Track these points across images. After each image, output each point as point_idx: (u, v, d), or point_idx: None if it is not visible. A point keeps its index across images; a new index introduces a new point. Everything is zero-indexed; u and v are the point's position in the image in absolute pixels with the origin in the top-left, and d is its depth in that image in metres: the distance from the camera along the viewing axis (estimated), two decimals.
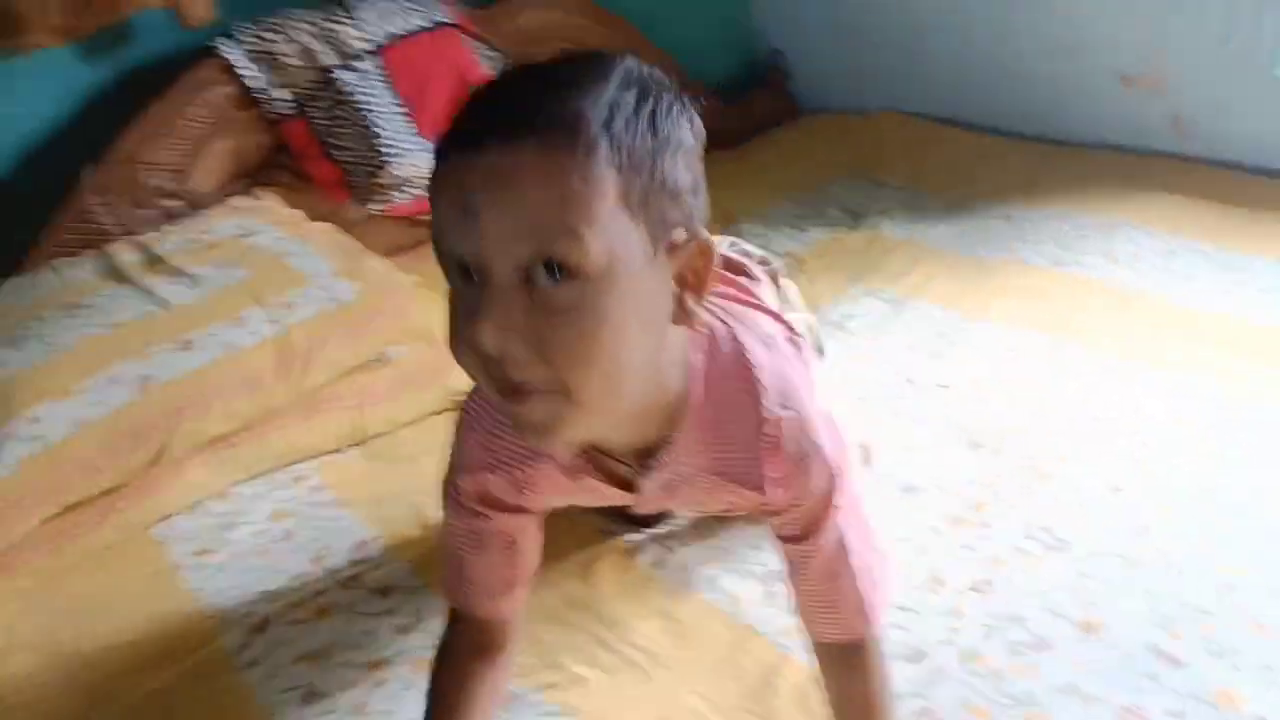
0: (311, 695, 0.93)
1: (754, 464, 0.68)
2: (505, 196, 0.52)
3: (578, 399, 0.55)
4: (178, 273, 1.25)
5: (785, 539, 0.73)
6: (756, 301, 0.80)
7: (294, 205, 1.50)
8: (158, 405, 1.10)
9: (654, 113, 0.56)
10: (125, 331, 1.16)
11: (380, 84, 1.50)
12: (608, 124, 0.54)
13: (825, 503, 0.70)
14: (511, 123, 0.53)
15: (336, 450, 1.28)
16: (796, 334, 0.79)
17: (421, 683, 0.81)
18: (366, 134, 1.49)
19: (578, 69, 0.57)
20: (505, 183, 0.52)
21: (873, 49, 2.13)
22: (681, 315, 0.59)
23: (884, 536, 0.77)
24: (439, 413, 1.36)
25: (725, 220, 1.81)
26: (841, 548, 0.72)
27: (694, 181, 0.59)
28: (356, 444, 1.29)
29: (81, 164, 1.37)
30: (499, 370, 0.54)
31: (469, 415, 0.72)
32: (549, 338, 0.53)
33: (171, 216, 1.43)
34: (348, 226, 1.52)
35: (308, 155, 1.50)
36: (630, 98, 0.56)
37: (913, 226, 1.73)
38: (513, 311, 0.52)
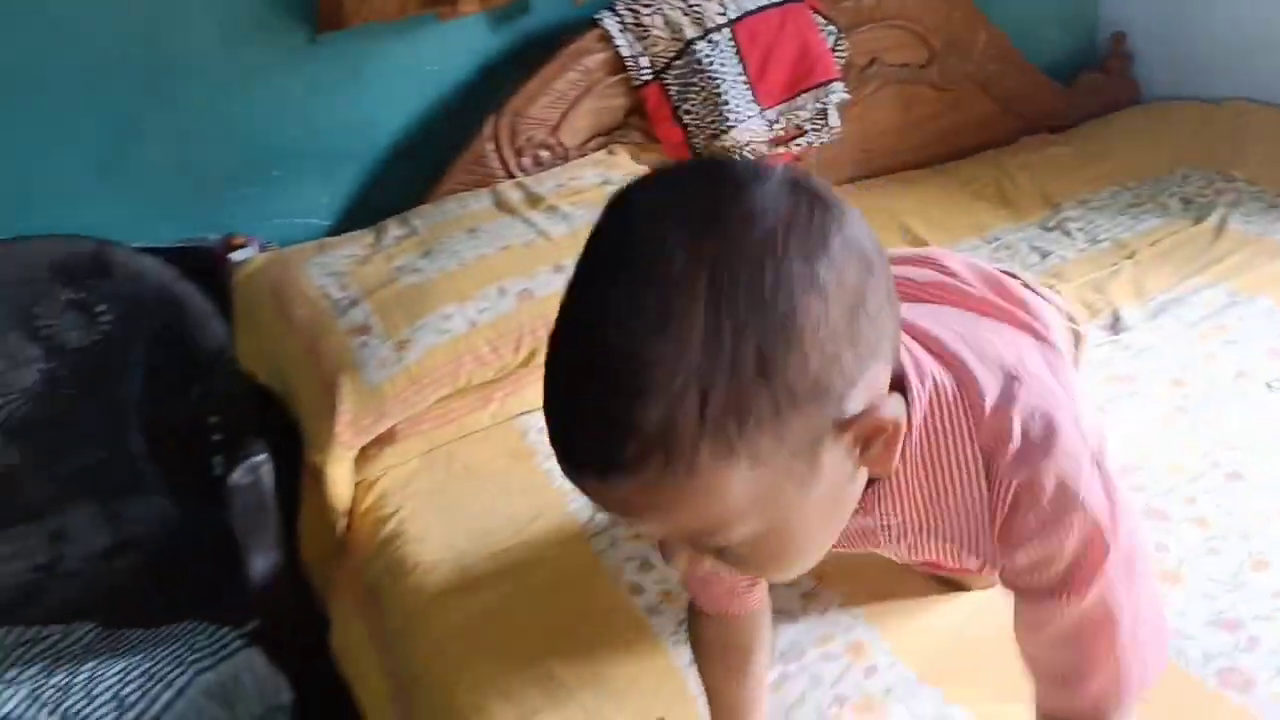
0: (646, 565, 1.10)
1: (982, 526, 0.61)
2: (637, 521, 0.53)
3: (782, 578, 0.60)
4: (553, 210, 1.47)
5: (1024, 592, 0.63)
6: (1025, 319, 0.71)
7: (640, 163, 1.69)
8: (533, 315, 1.32)
9: (762, 337, 0.46)
10: (512, 253, 1.39)
11: (731, 54, 1.66)
12: (701, 414, 0.46)
13: (1082, 565, 0.59)
14: (597, 458, 0.48)
15: None
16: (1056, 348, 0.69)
17: None
18: (715, 101, 1.65)
19: (655, 326, 0.46)
20: (628, 511, 0.51)
21: (1222, 32, 2.00)
22: (872, 463, 0.54)
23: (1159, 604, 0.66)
24: None
25: (1046, 203, 1.81)
26: (1106, 616, 0.61)
27: (837, 337, 0.48)
28: None
29: (483, 115, 1.63)
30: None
31: None
32: (742, 569, 0.58)
33: (542, 164, 1.67)
34: None
35: (658, 118, 1.69)
36: (725, 339, 0.45)
37: (1264, 223, 1.64)
38: (700, 562, 0.55)
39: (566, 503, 1.20)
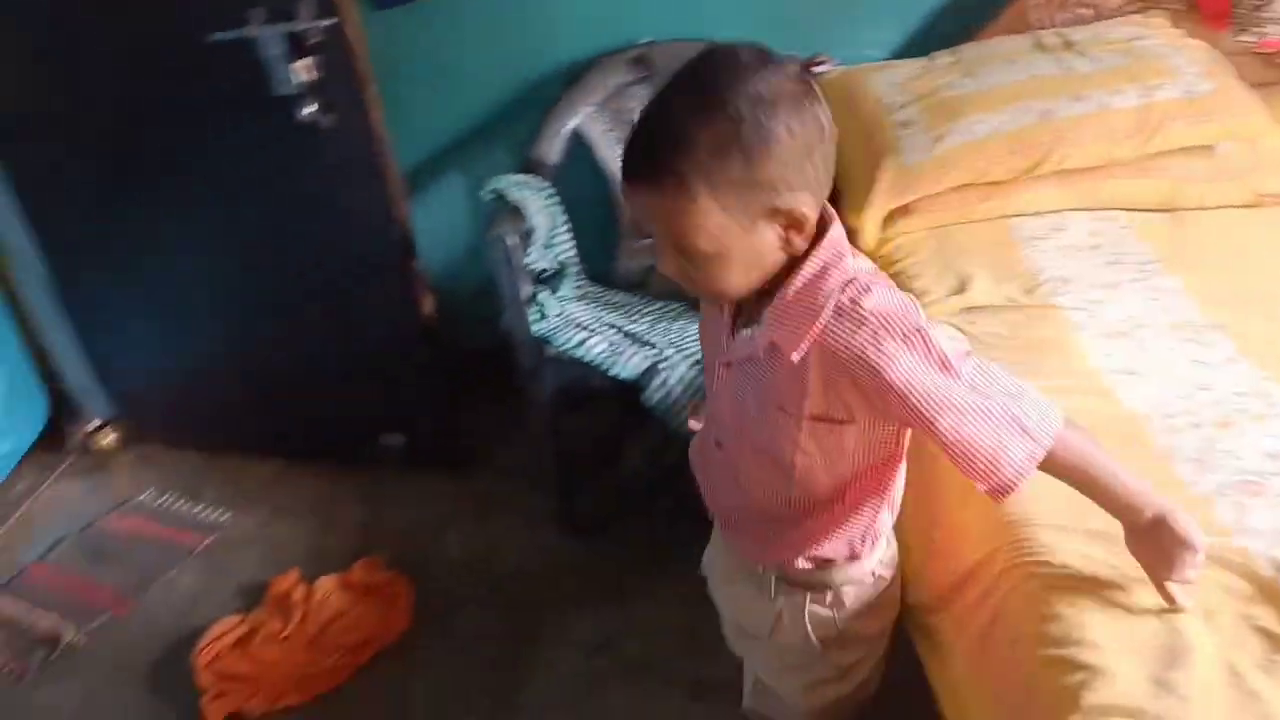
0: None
1: (794, 332, 0.89)
2: (647, 220, 0.89)
3: (710, 297, 0.96)
4: (1082, 53, 1.76)
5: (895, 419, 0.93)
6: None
7: (1177, 28, 1.87)
8: (1045, 132, 1.65)
9: (750, 135, 0.81)
10: (1039, 81, 1.71)
11: None
12: (706, 167, 0.82)
13: (873, 373, 0.87)
14: (640, 173, 0.86)
15: (1147, 210, 1.70)
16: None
17: None
18: None
19: (696, 103, 0.83)
20: (644, 214, 0.89)
21: None
22: (788, 247, 0.88)
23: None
24: (1242, 207, 1.68)
25: None
26: (915, 409, 0.87)
27: (792, 163, 0.84)
28: (1165, 210, 1.70)
29: None
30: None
31: None
32: (691, 277, 0.91)
33: (1081, 21, 1.94)
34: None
35: None
36: (728, 131, 0.81)
37: None
38: (669, 262, 0.91)
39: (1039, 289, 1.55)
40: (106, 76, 1.99)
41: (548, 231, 2.01)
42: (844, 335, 0.88)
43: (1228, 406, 1.23)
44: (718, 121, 0.82)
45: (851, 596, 1.09)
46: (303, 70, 1.85)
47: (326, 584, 2.02)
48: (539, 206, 1.97)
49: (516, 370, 2.05)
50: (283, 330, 2.27)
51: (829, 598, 1.09)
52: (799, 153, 0.84)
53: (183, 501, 2.40)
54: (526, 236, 1.92)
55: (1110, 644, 0.92)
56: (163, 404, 2.55)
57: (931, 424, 0.88)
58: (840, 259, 0.91)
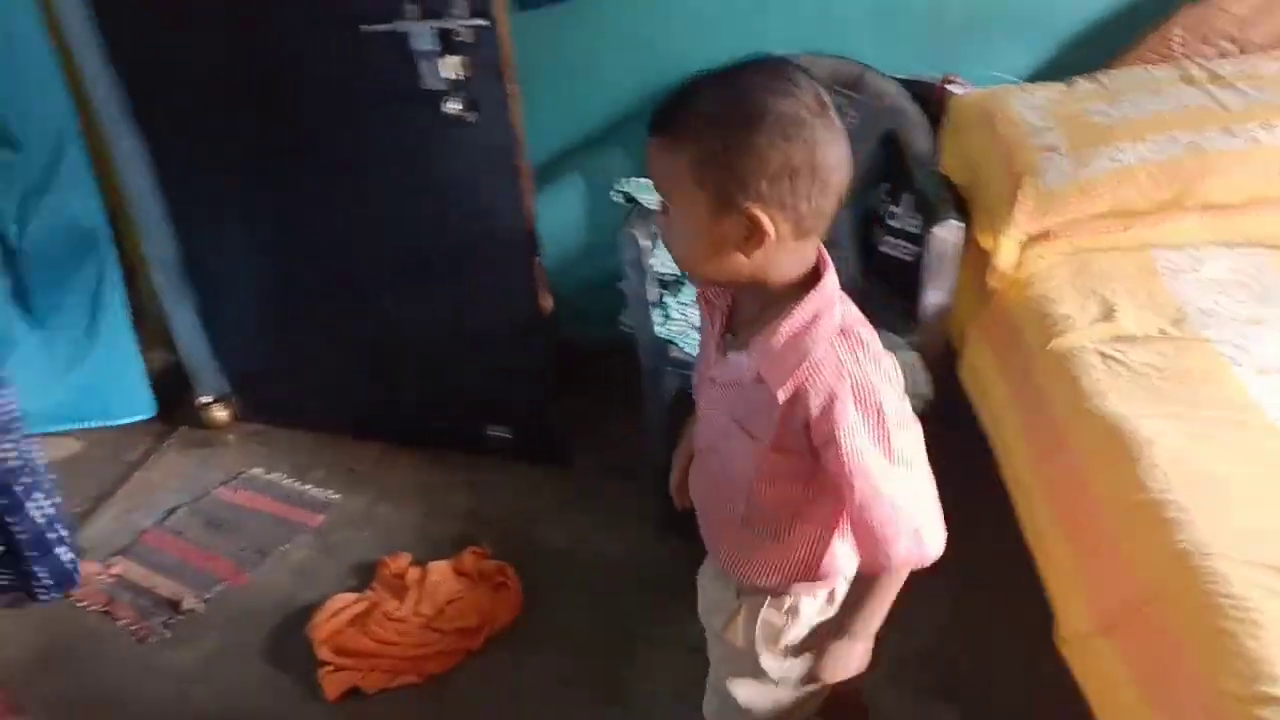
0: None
1: (782, 371, 0.95)
2: (650, 173, 0.96)
3: (678, 264, 1.01)
4: (1231, 87, 1.75)
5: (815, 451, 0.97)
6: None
7: None
8: (1193, 165, 1.65)
9: (742, 130, 0.88)
10: (1188, 113, 1.71)
11: None
12: (697, 132, 0.90)
13: (825, 425, 0.93)
14: (653, 124, 0.93)
15: None
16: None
17: None
18: None
19: (717, 87, 0.91)
20: (650, 166, 0.95)
21: None
22: (745, 250, 0.93)
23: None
24: None
25: None
26: (845, 471, 0.94)
27: (768, 175, 0.89)
28: None
29: (1181, 3, 1.93)
30: None
31: None
32: (664, 231, 0.99)
33: (1224, 55, 1.93)
34: None
35: None
36: (729, 117, 0.88)
37: None
38: (660, 218, 0.99)
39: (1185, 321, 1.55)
40: (258, 57, 2.06)
41: None
42: (822, 386, 0.94)
43: None
44: (723, 103, 0.90)
45: (807, 610, 1.15)
46: (451, 67, 1.91)
47: (440, 568, 2.08)
48: None
49: (635, 369, 2.09)
50: (402, 316, 2.33)
51: (785, 604, 1.15)
52: (776, 167, 0.90)
53: (292, 479, 2.48)
54: (654, 239, 1.95)
55: None
56: (275, 382, 2.62)
57: (850, 485, 0.97)
58: (831, 306, 0.98)
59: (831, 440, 0.94)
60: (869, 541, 1.00)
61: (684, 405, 2.05)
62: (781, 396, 0.95)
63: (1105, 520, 1.25)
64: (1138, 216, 1.72)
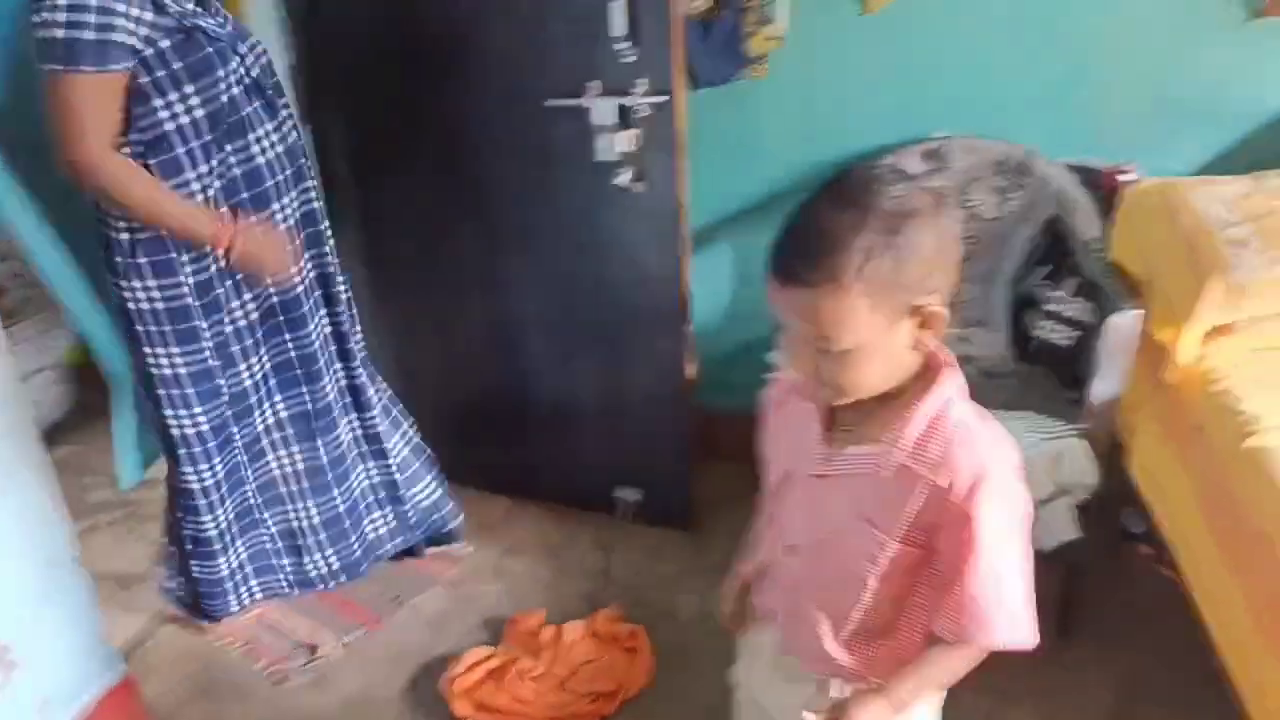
0: None
1: (932, 456, 0.96)
2: (801, 319, 0.94)
3: (844, 397, 0.98)
4: None
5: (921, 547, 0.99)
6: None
7: None
8: None
9: (898, 242, 0.89)
10: None
11: None
12: (860, 269, 0.89)
13: (968, 503, 0.94)
14: (798, 275, 0.92)
15: None
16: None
17: None
18: None
19: (848, 213, 0.91)
20: (801, 314, 0.94)
21: None
22: (919, 346, 0.96)
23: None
24: None
25: None
26: (973, 546, 0.94)
27: (932, 267, 0.92)
28: None
29: None
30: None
31: None
32: (827, 373, 0.96)
33: None
34: None
35: None
36: (879, 238, 0.89)
37: None
38: (805, 361, 0.97)
39: None
40: (455, 123, 2.16)
41: None
42: (968, 466, 0.96)
43: None
44: (868, 227, 0.90)
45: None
46: (626, 140, 1.97)
47: (574, 628, 2.07)
48: None
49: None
50: (548, 373, 2.37)
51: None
52: (936, 257, 0.94)
53: None
54: None
55: None
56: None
57: (974, 564, 0.97)
58: (963, 386, 1.00)
59: (967, 519, 0.95)
60: (969, 618, 0.99)
61: None
62: (943, 480, 0.96)
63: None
64: None
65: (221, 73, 1.67)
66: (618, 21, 1.86)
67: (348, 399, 2.13)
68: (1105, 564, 1.94)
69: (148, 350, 1.82)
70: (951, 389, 0.99)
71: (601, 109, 1.94)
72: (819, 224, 0.93)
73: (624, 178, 1.98)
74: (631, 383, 2.28)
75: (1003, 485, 0.96)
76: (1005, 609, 0.98)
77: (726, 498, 2.48)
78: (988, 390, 2.02)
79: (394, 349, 2.58)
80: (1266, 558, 1.35)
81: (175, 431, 1.89)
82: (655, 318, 2.17)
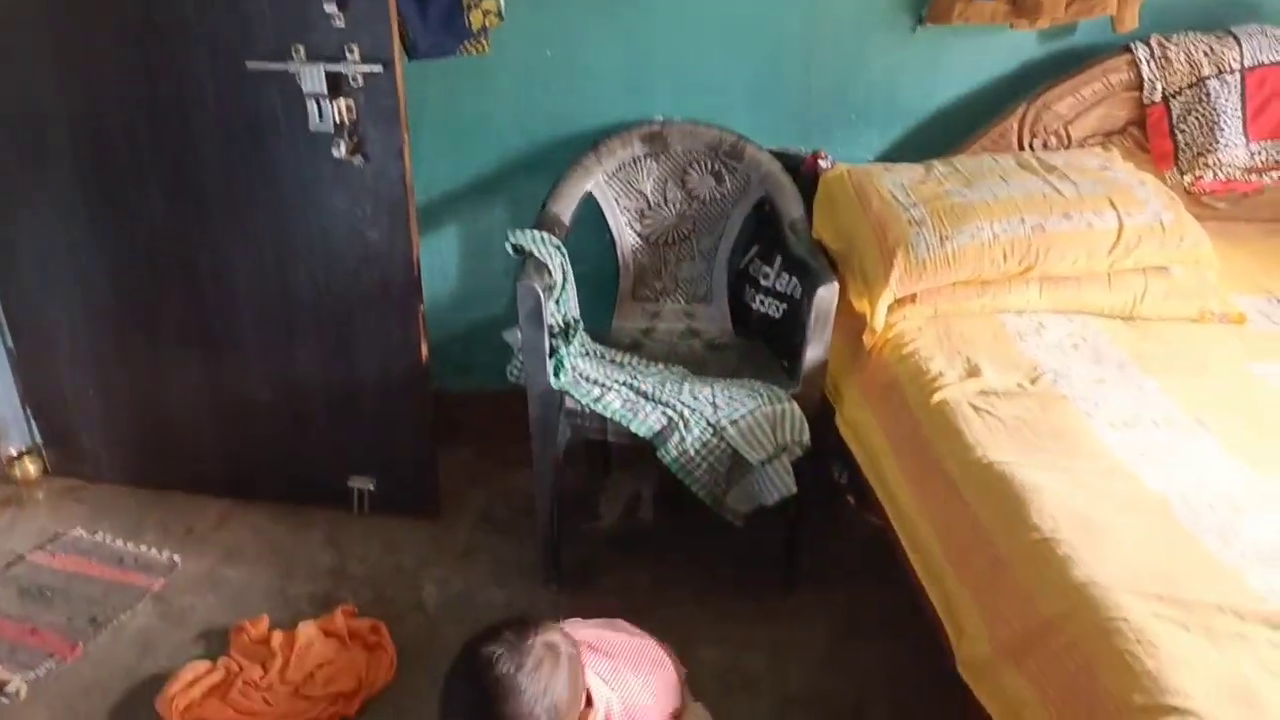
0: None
1: None
2: None
3: None
4: (1064, 176, 2.00)
5: None
6: None
7: (1128, 162, 2.17)
8: (1037, 242, 1.87)
9: (547, 702, 1.16)
10: (1031, 198, 1.93)
11: (1235, 94, 2.09)
12: None
13: None
14: None
15: (1112, 317, 1.95)
16: None
17: None
18: (1210, 127, 2.10)
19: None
20: None
21: None
22: None
23: None
24: (1189, 320, 1.94)
25: None
26: None
27: (576, 690, 1.23)
28: (1126, 319, 1.95)
29: (1017, 104, 2.20)
30: None
31: None
32: None
33: (1048, 148, 2.21)
34: None
35: (1156, 132, 2.17)
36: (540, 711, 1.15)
37: None
38: None
39: (1040, 379, 1.74)
40: (136, 86, 1.94)
41: (560, 288, 2.06)
42: None
43: (1235, 494, 1.42)
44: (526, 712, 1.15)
45: None
46: (340, 110, 1.86)
47: (308, 630, 1.95)
48: (558, 263, 2.03)
49: (511, 421, 2.08)
50: (266, 361, 2.20)
51: None
52: (574, 684, 1.23)
53: (121, 540, 2.25)
54: (547, 291, 1.97)
55: (1196, 690, 1.07)
56: (92, 432, 2.39)
57: None
58: None
59: None
60: None
61: (574, 455, 2.07)
62: None
63: (1000, 557, 1.37)
64: (988, 285, 1.92)
65: None
66: None
67: None
68: (819, 514, 2.12)
69: None
70: None
71: (310, 75, 1.82)
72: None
73: (341, 150, 1.88)
74: (362, 367, 2.18)
75: None
76: None
77: (468, 481, 2.45)
78: (711, 362, 2.16)
79: (49, 351, 2.29)
80: (952, 495, 1.54)
81: None
82: (385, 297, 2.08)
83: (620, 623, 1.60)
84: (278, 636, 1.94)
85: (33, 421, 2.41)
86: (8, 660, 1.90)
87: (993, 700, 1.31)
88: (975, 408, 1.65)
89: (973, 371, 1.75)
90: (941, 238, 1.88)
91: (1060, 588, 1.26)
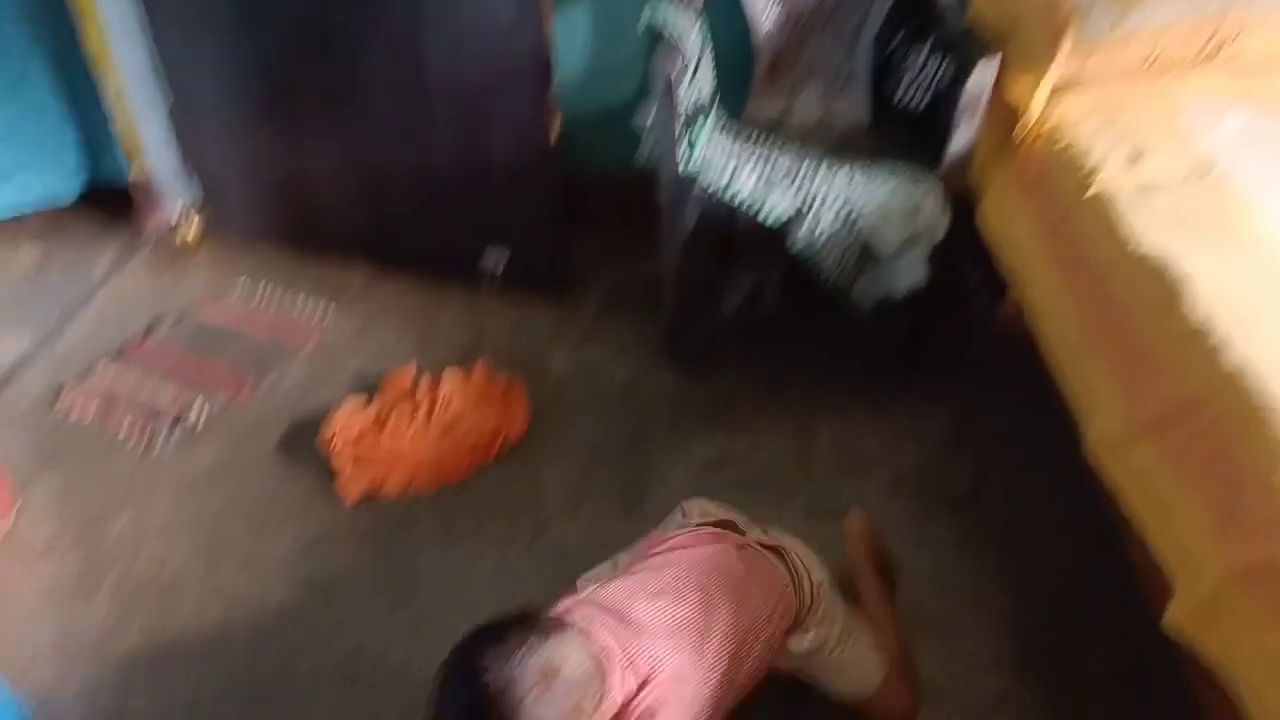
0: None
1: None
2: None
3: None
4: None
5: None
6: None
7: None
8: (1226, 21, 1.71)
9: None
10: None
11: None
12: None
13: None
14: None
15: None
16: None
17: None
18: None
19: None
20: None
21: None
22: None
23: None
24: None
25: None
26: None
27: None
28: None
29: None
30: None
31: None
32: None
33: None
34: None
35: None
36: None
37: None
38: None
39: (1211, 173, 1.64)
40: None
41: (694, 69, 2.01)
42: None
43: None
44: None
45: None
46: None
47: (452, 377, 2.08)
48: (693, 43, 1.97)
49: (640, 204, 2.08)
50: (403, 133, 2.25)
51: None
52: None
53: (277, 299, 2.41)
54: (681, 72, 1.92)
55: None
56: (253, 196, 2.52)
57: None
58: None
59: None
60: None
61: (701, 242, 2.08)
62: None
63: (1146, 343, 1.35)
64: (1166, 71, 1.78)
65: None
66: None
67: None
68: (946, 311, 2.10)
69: None
70: None
71: None
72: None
73: None
74: (493, 145, 2.20)
75: None
76: None
77: (595, 263, 2.51)
78: (850, 146, 2.10)
79: (210, 117, 2.38)
80: (1098, 282, 1.51)
81: None
82: (516, 75, 2.07)
83: (677, 539, 1.42)
84: (425, 383, 2.08)
85: (194, 182, 2.54)
86: (189, 391, 2.11)
87: (1121, 474, 1.34)
88: (1134, 201, 1.57)
89: (1136, 160, 1.66)
90: (1119, 16, 1.74)
91: (1206, 371, 1.24)
